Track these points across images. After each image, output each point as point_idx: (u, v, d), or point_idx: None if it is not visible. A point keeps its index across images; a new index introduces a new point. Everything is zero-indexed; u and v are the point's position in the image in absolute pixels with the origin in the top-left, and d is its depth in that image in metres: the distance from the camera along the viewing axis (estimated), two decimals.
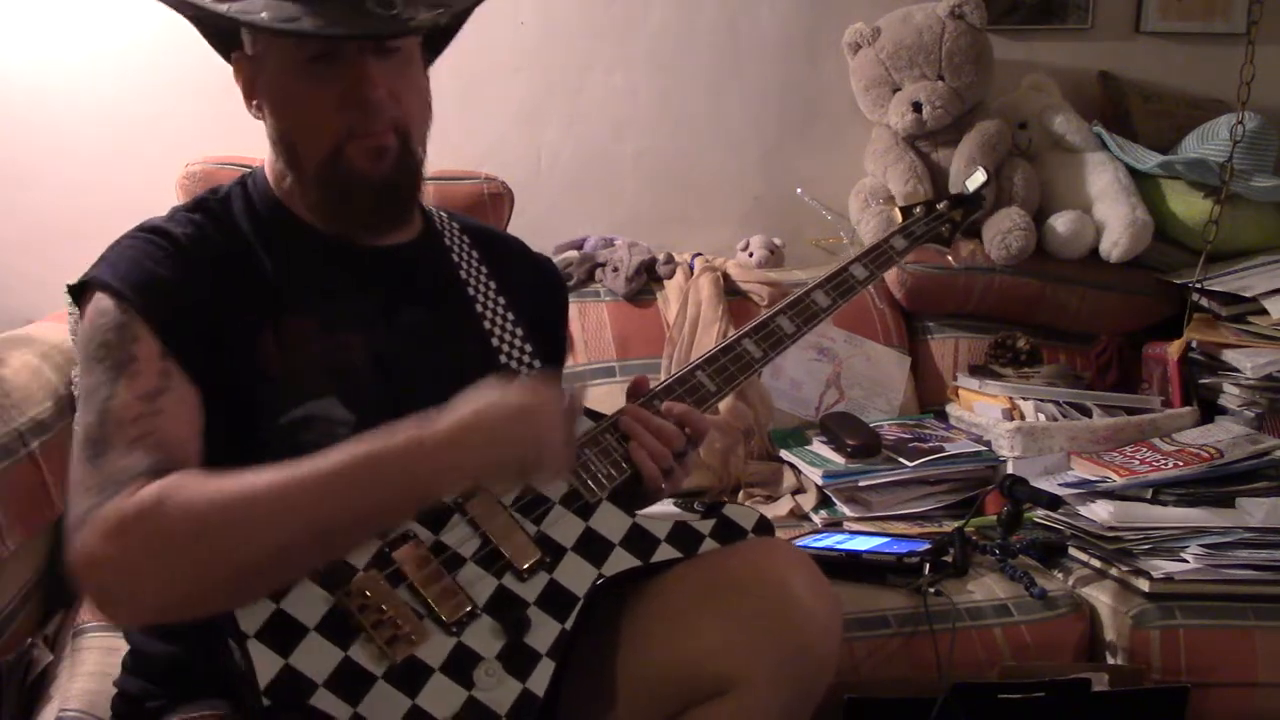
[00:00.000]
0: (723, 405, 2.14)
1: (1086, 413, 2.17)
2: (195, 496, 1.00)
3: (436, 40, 1.34)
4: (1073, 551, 1.87)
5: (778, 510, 2.06)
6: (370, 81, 1.15)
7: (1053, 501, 1.83)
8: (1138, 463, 1.92)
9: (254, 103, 1.23)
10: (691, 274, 2.33)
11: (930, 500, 2.05)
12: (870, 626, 1.62)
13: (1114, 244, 2.33)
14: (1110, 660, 1.69)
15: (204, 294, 1.16)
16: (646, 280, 2.35)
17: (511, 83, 2.49)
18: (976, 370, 2.28)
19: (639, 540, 1.20)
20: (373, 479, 1.03)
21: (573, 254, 2.36)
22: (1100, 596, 1.75)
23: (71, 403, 1.85)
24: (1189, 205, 2.35)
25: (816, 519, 2.02)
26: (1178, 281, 2.36)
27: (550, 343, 1.41)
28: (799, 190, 2.50)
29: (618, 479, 1.24)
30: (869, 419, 2.19)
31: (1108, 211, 2.35)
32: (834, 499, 2.04)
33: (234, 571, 1.00)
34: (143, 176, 2.20)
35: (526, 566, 1.14)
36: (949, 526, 1.90)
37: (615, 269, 2.32)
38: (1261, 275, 2.27)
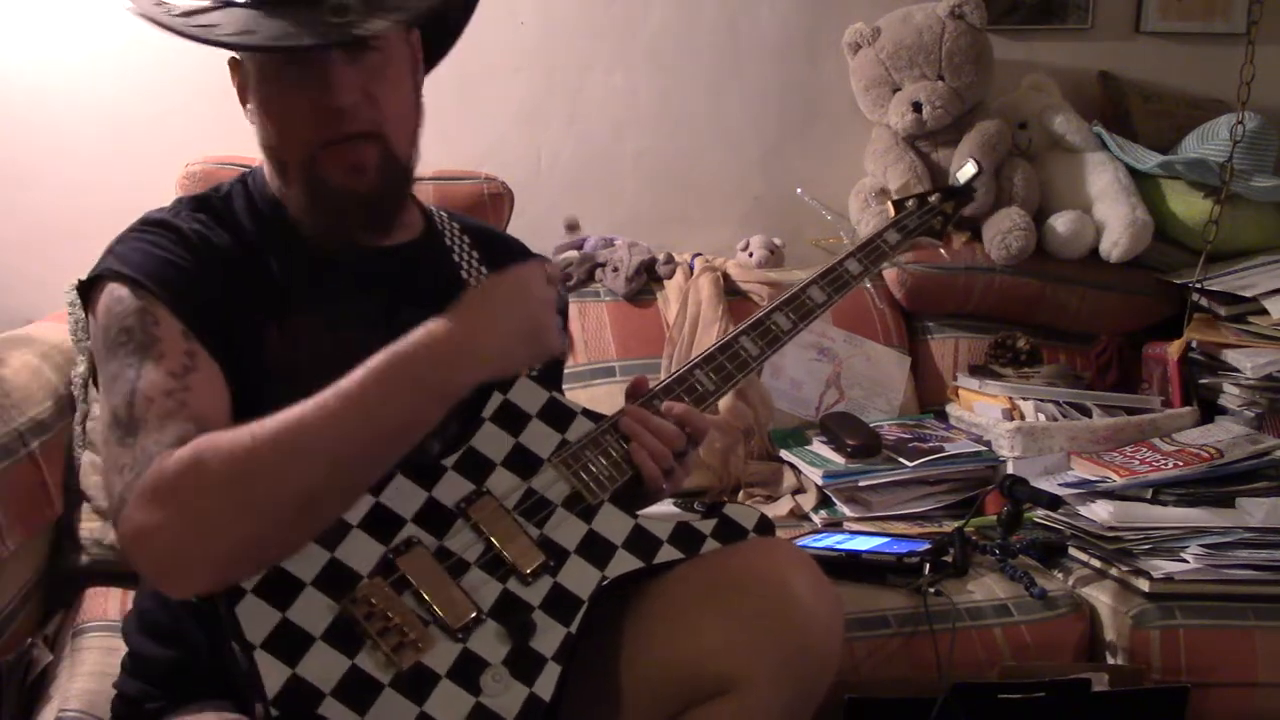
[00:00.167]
0: (723, 405, 2.14)
1: (1086, 413, 2.17)
2: (232, 443, 1.01)
3: (438, 43, 1.34)
4: (1073, 551, 1.87)
5: (778, 510, 2.06)
6: (335, 88, 1.14)
7: (1053, 501, 1.84)
8: (1138, 463, 1.92)
9: (247, 106, 1.23)
10: (691, 274, 2.33)
11: (930, 500, 2.05)
12: (870, 626, 1.62)
13: (1114, 244, 2.33)
14: (1110, 660, 1.69)
15: (213, 288, 1.16)
16: (646, 280, 2.35)
17: (511, 82, 2.49)
18: (976, 370, 2.28)
19: (641, 541, 1.20)
20: (402, 382, 1.06)
21: (573, 254, 2.36)
22: (1100, 596, 1.75)
23: (72, 403, 1.86)
24: (1189, 205, 2.35)
25: (816, 519, 2.02)
26: (1178, 281, 2.36)
27: None
28: (799, 190, 2.50)
29: (619, 480, 1.23)
30: (869, 419, 2.19)
31: (1108, 211, 2.36)
32: (834, 499, 2.04)
33: (286, 507, 1.01)
34: (143, 176, 2.20)
35: (530, 570, 1.13)
36: (949, 526, 1.90)
37: (615, 269, 2.32)
38: (1261, 275, 2.27)
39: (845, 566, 1.70)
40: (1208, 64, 2.62)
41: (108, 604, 1.69)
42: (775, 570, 1.15)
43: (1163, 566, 1.72)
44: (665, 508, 1.45)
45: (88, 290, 1.17)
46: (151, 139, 2.29)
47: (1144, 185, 2.39)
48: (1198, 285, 2.29)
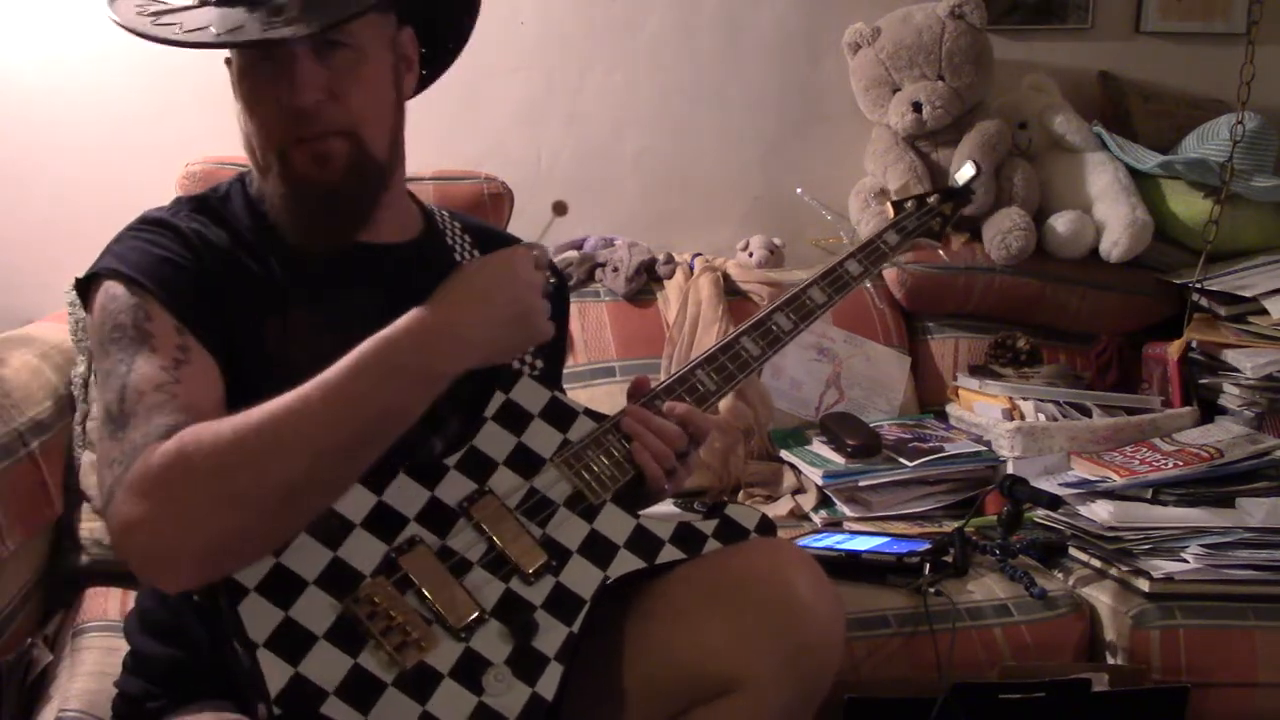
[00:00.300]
0: (723, 405, 2.14)
1: (1086, 413, 2.17)
2: (216, 435, 1.00)
3: (441, 47, 1.34)
4: (1073, 551, 1.87)
5: (778, 510, 2.06)
6: (298, 87, 1.13)
7: (1053, 501, 1.84)
8: (1138, 463, 1.92)
9: (238, 103, 1.23)
10: (691, 274, 2.33)
11: (930, 500, 2.05)
12: (870, 626, 1.62)
13: (1114, 244, 2.34)
14: (1110, 660, 1.69)
15: (211, 289, 1.16)
16: (646, 280, 2.35)
17: (511, 82, 2.49)
18: (976, 370, 2.29)
19: (643, 541, 1.21)
20: (385, 370, 1.06)
21: (573, 254, 2.36)
22: (1100, 596, 1.75)
23: (72, 403, 1.86)
24: (1189, 205, 2.35)
25: (816, 519, 2.02)
26: (1178, 281, 2.36)
27: (552, 341, 1.40)
28: (799, 190, 2.50)
29: (621, 480, 1.24)
30: (869, 419, 2.19)
31: (1108, 211, 2.36)
32: (834, 499, 2.04)
33: (269, 498, 1.01)
34: (143, 176, 2.20)
35: (533, 570, 1.14)
36: (949, 526, 1.90)
37: (615, 269, 2.32)
38: (1261, 275, 2.27)
39: (845, 566, 1.70)
40: (1208, 64, 2.62)
41: (108, 604, 1.69)
42: (777, 570, 1.16)
43: (1163, 566, 1.72)
44: (666, 508, 1.45)
45: (85, 288, 1.17)
46: (151, 139, 2.29)
47: (1144, 185, 2.39)
48: (1198, 285, 2.29)
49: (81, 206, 2.24)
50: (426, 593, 1.08)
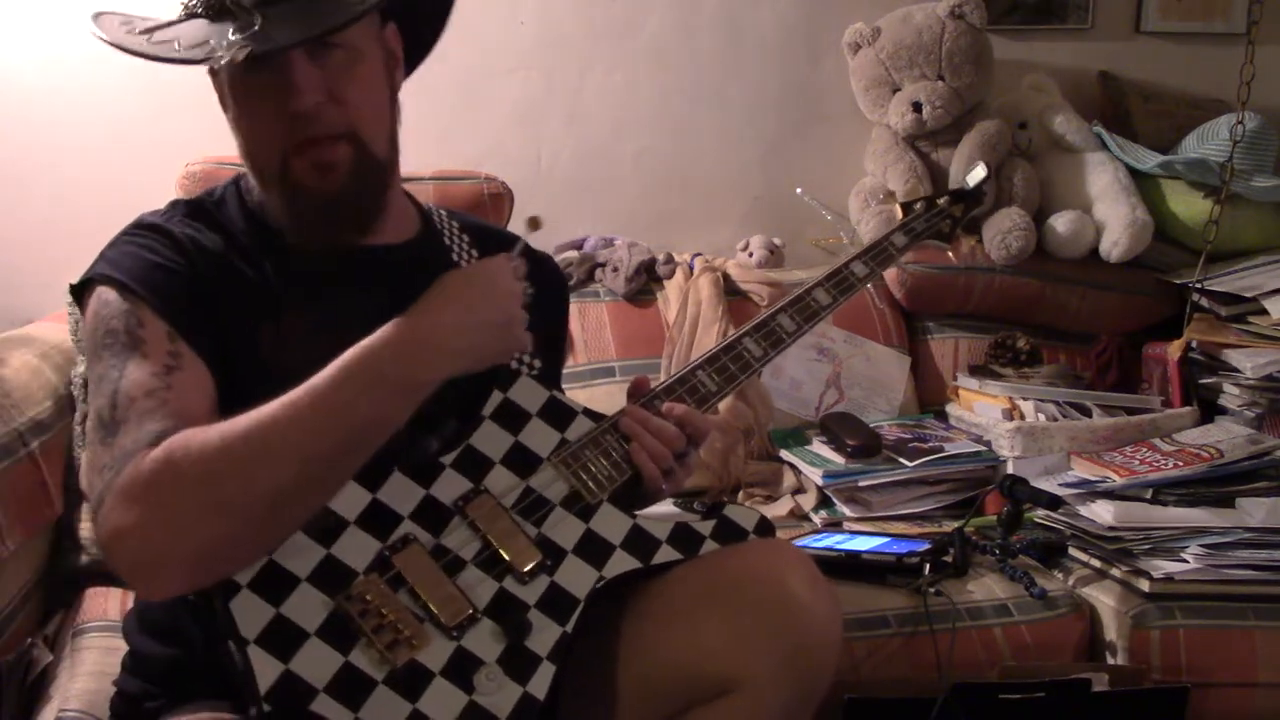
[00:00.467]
0: (723, 405, 2.13)
1: (1086, 413, 2.17)
2: (204, 442, 1.01)
3: (419, 39, 1.34)
4: (1073, 551, 1.87)
5: (778, 510, 2.06)
6: (297, 92, 1.13)
7: (1053, 501, 1.84)
8: (1138, 463, 1.92)
9: (228, 115, 1.23)
10: (691, 274, 2.33)
11: (930, 500, 2.05)
12: (870, 626, 1.62)
13: (1114, 244, 2.33)
14: (1110, 660, 1.69)
15: (205, 294, 1.16)
16: (646, 280, 2.35)
17: (511, 82, 2.49)
18: (976, 370, 2.28)
19: (640, 541, 1.20)
20: (370, 378, 1.06)
21: (573, 254, 2.36)
22: (1100, 596, 1.75)
23: (71, 403, 1.86)
24: (1189, 205, 2.35)
25: (816, 519, 2.02)
26: (1178, 281, 2.36)
27: (551, 340, 1.41)
28: (799, 190, 2.50)
29: (618, 480, 1.23)
30: (869, 419, 2.19)
31: (1108, 211, 2.36)
32: (834, 499, 2.04)
33: (256, 505, 1.01)
34: (143, 176, 2.20)
35: (527, 569, 1.14)
36: (949, 526, 1.90)
37: (615, 269, 2.32)
38: (1261, 275, 2.27)
39: (845, 566, 1.70)
40: (1208, 64, 2.62)
41: (108, 604, 1.69)
42: (774, 570, 1.15)
43: (1163, 566, 1.72)
44: (665, 508, 1.45)
45: (80, 293, 1.17)
46: (151, 139, 2.29)
47: (1144, 185, 2.39)
48: (1198, 285, 2.29)
49: (81, 206, 2.24)
50: (419, 591, 1.08)
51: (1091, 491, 1.88)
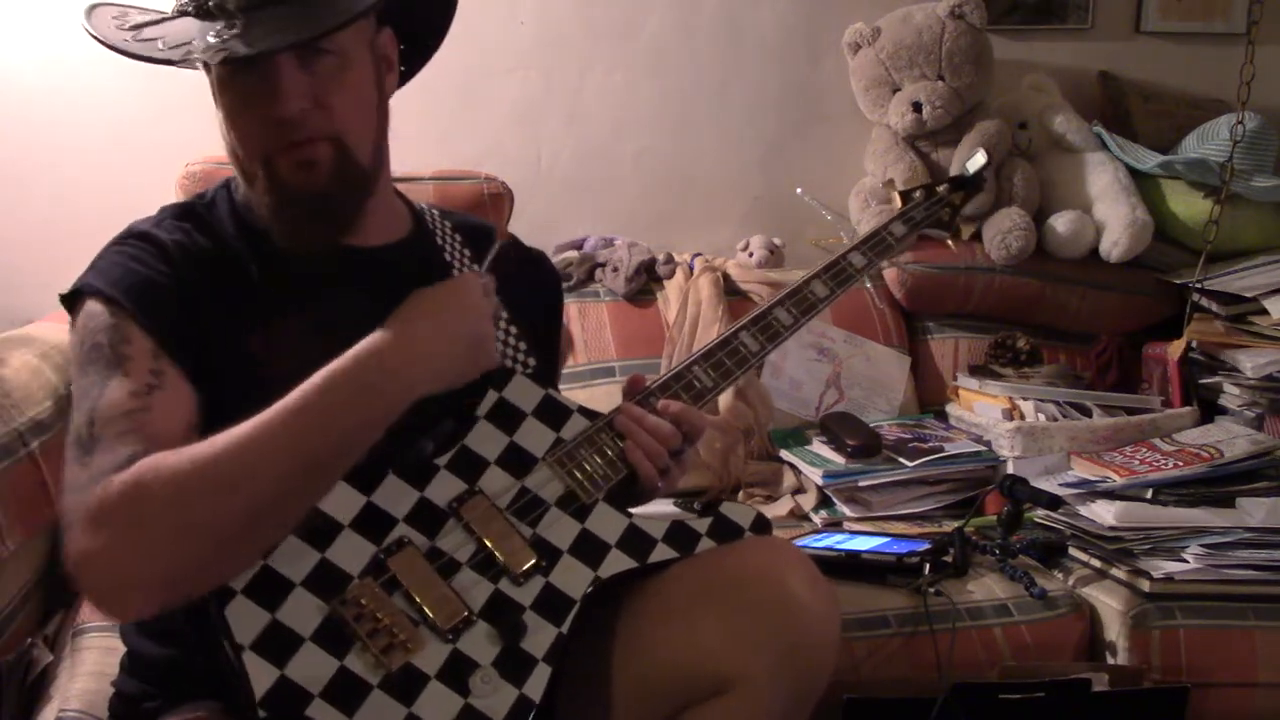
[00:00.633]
0: (723, 405, 2.14)
1: (1086, 413, 2.17)
2: (175, 466, 1.00)
3: (419, 44, 1.33)
4: (1073, 551, 1.87)
5: (778, 510, 2.06)
6: (283, 97, 1.13)
7: (1053, 501, 1.83)
8: (1138, 463, 1.92)
9: (219, 112, 1.23)
10: (691, 274, 2.33)
11: (930, 500, 2.05)
12: (870, 626, 1.62)
13: (1114, 244, 2.33)
14: (1110, 660, 1.69)
15: (191, 300, 1.16)
16: (646, 280, 2.35)
17: (511, 82, 2.49)
18: (976, 370, 2.28)
19: (635, 541, 1.20)
20: (344, 398, 1.06)
21: (573, 254, 2.36)
22: (1100, 596, 1.75)
23: (71, 403, 1.86)
24: (1189, 205, 2.35)
25: (816, 519, 2.02)
26: (1178, 281, 2.36)
27: (545, 339, 1.40)
28: (799, 190, 2.49)
29: (614, 479, 1.23)
30: (869, 419, 2.19)
31: (1108, 211, 2.35)
32: (834, 499, 2.04)
33: (226, 529, 1.00)
34: (143, 176, 2.20)
35: (522, 570, 1.13)
36: (949, 526, 1.90)
37: (615, 269, 2.32)
38: (1261, 275, 2.26)
39: (845, 566, 1.70)
40: (1208, 64, 2.62)
41: None
42: (771, 569, 1.15)
43: (1163, 566, 1.72)
44: (664, 507, 1.45)
45: (70, 303, 1.17)
46: (151, 139, 2.29)
47: (1144, 185, 2.39)
48: (1198, 285, 2.29)
49: (81, 207, 2.25)
50: (414, 594, 1.08)
51: (1091, 491, 1.88)
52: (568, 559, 1.16)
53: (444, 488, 1.16)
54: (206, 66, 1.18)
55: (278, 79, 1.13)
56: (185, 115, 2.24)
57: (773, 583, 1.14)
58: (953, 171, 2.39)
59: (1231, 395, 2.17)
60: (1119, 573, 1.76)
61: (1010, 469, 2.03)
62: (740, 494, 2.13)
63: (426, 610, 1.08)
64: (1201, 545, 1.74)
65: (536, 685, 1.08)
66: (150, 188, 2.06)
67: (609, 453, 1.24)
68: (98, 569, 0.98)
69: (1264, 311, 2.22)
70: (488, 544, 1.14)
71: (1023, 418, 2.13)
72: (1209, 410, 2.20)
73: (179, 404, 1.10)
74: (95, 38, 1.15)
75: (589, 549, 1.18)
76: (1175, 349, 2.22)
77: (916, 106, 2.40)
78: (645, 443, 1.24)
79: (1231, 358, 2.17)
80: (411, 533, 1.12)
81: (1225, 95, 2.44)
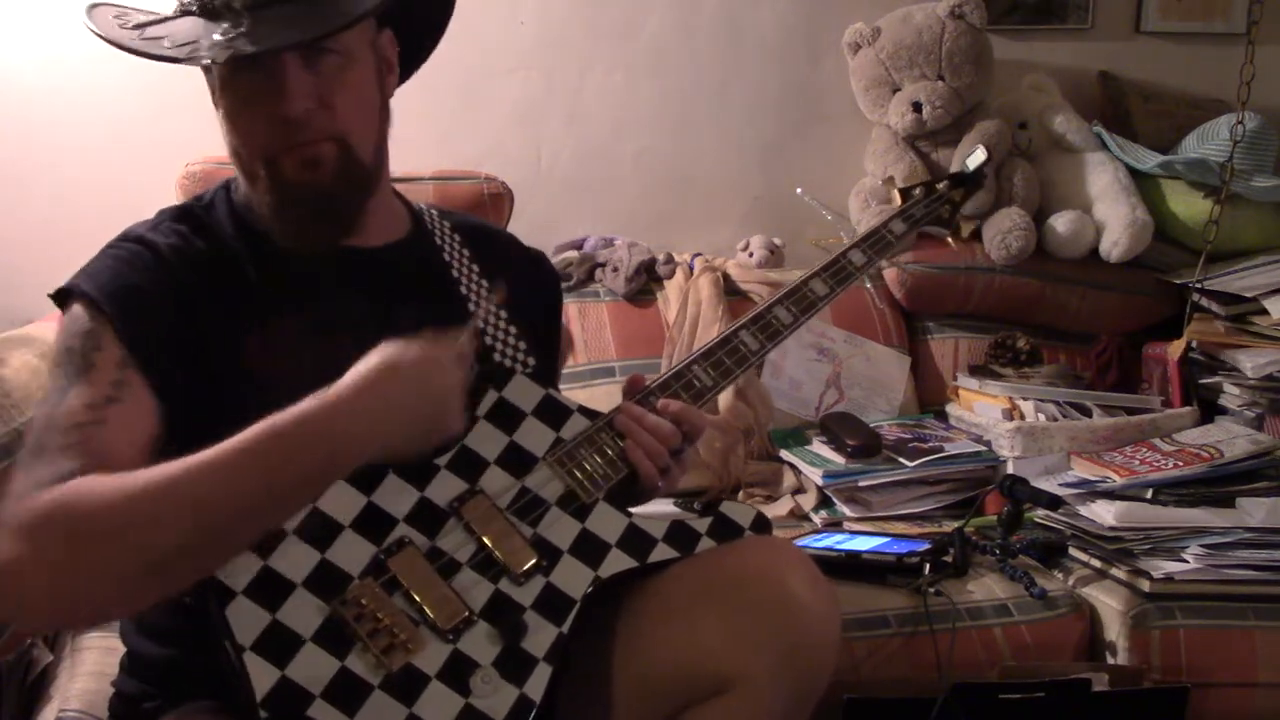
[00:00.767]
0: (723, 405, 2.14)
1: (1086, 413, 2.17)
2: (106, 492, 0.97)
3: (416, 46, 1.33)
4: (1073, 551, 1.87)
5: (778, 510, 2.06)
6: (288, 97, 1.13)
7: (1053, 501, 1.84)
8: (1138, 463, 1.92)
9: (219, 112, 1.22)
10: (691, 274, 2.33)
11: (930, 500, 2.05)
12: (870, 626, 1.62)
13: (1114, 244, 2.33)
14: (1110, 660, 1.69)
15: (186, 303, 1.16)
16: (646, 280, 2.35)
17: (511, 82, 2.49)
18: (976, 370, 2.28)
19: (636, 540, 1.20)
20: (281, 455, 1.01)
21: (573, 254, 2.36)
22: (1100, 596, 1.75)
23: None
24: (1189, 205, 2.35)
25: (816, 519, 2.02)
26: (1178, 281, 2.36)
27: (545, 338, 1.40)
28: (799, 190, 2.49)
29: (614, 479, 1.23)
30: (869, 419, 2.19)
31: (1108, 211, 2.36)
32: (834, 499, 2.04)
33: (152, 563, 0.97)
34: (143, 176, 2.21)
35: (523, 570, 1.13)
36: (949, 526, 1.90)
37: (615, 269, 2.32)
38: (1261, 275, 2.27)
39: (845, 566, 1.70)
40: (1208, 64, 2.62)
41: None
42: (771, 568, 1.15)
43: (1163, 566, 1.72)
44: (663, 507, 1.45)
45: (61, 302, 1.17)
46: (151, 139, 2.29)
47: (1144, 185, 2.39)
48: (1198, 285, 2.29)
49: (81, 206, 2.24)
50: (414, 594, 1.08)
51: (1091, 491, 1.88)
52: (568, 559, 1.16)
53: (444, 487, 1.16)
54: (208, 66, 1.18)
55: (283, 78, 1.13)
56: (185, 115, 2.24)
57: (773, 582, 1.13)
58: (953, 169, 2.39)
59: (1231, 395, 2.17)
60: (1119, 573, 1.76)
61: (1010, 469, 2.03)
62: (740, 494, 2.13)
63: (427, 610, 1.08)
64: (1201, 545, 1.74)
65: (537, 685, 1.08)
66: (150, 188, 2.07)
67: (609, 452, 1.24)
68: (16, 580, 0.95)
69: (1264, 311, 2.22)
70: (488, 544, 1.13)
71: (1023, 418, 2.13)
72: (1209, 410, 2.20)
73: (136, 419, 1.09)
74: (101, 36, 1.15)
75: (589, 549, 1.18)
76: (1175, 349, 2.22)
77: (916, 106, 2.40)
78: (645, 442, 1.24)
79: (1231, 358, 2.17)
80: (412, 533, 1.12)
81: (1225, 95, 2.44)
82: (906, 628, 1.62)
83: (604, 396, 2.12)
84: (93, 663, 1.50)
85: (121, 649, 1.29)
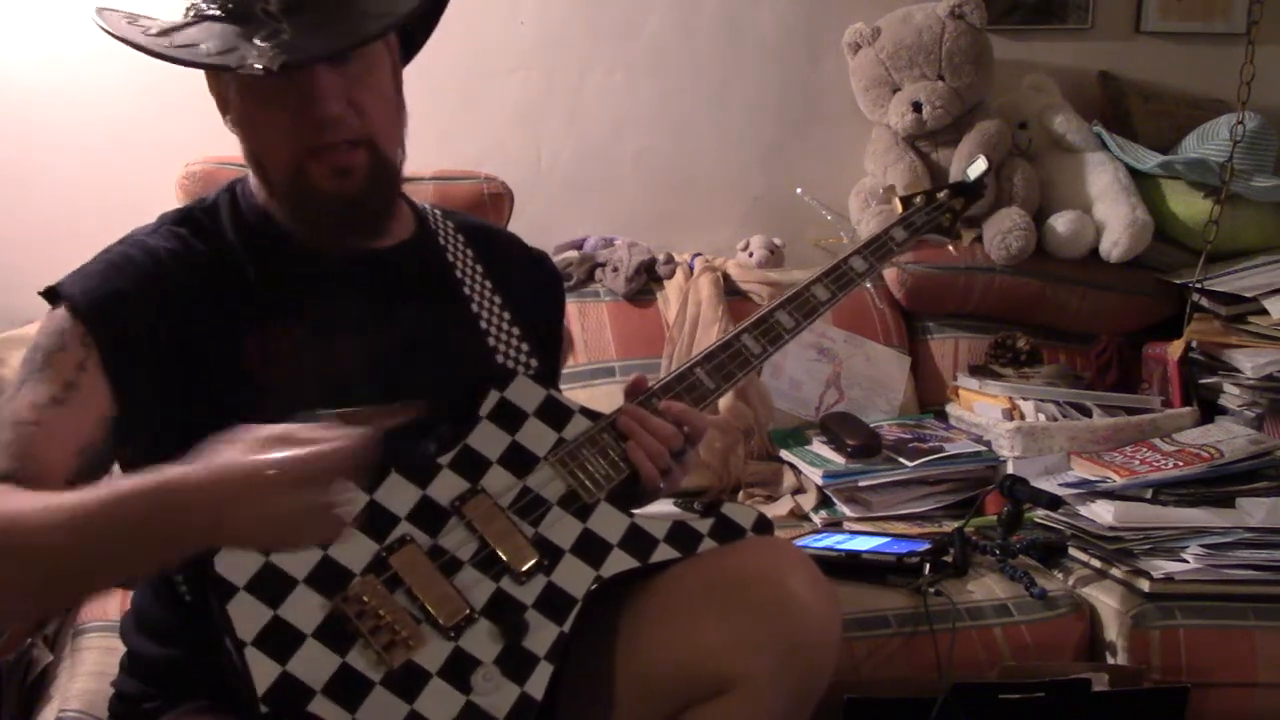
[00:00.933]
0: (723, 405, 2.14)
1: (1086, 413, 2.17)
2: None
3: (409, 40, 1.33)
4: (1073, 551, 1.87)
5: (778, 510, 2.06)
6: (321, 98, 1.12)
7: (1053, 501, 1.84)
8: (1138, 463, 1.92)
9: (227, 117, 1.21)
10: (691, 274, 2.33)
11: (930, 500, 2.05)
12: (870, 626, 1.62)
13: (1114, 244, 2.33)
14: (1110, 660, 1.69)
15: (181, 307, 1.16)
16: (646, 280, 2.35)
17: (511, 82, 2.49)
18: (976, 370, 2.28)
19: (637, 540, 1.20)
20: (130, 516, 0.90)
21: (573, 254, 2.36)
22: (1100, 596, 1.75)
23: None
24: (1189, 205, 2.35)
25: (816, 519, 2.02)
26: (1178, 281, 2.36)
27: (547, 339, 1.40)
28: (799, 190, 2.49)
29: (616, 479, 1.23)
30: (869, 419, 2.19)
31: (1108, 211, 2.36)
32: (834, 499, 2.04)
33: None
34: (143, 177, 2.20)
35: (524, 569, 1.13)
36: (949, 526, 1.90)
37: (615, 269, 2.32)
38: (1261, 275, 2.27)
39: (845, 566, 1.70)
40: (1208, 64, 2.62)
41: (108, 604, 1.69)
42: (772, 569, 1.15)
43: (1163, 566, 1.72)
44: (664, 507, 1.45)
45: (51, 300, 1.17)
46: (152, 139, 2.29)
47: (1144, 185, 2.39)
48: (1198, 285, 2.29)
49: (81, 207, 2.24)
50: (416, 591, 1.08)
51: (1091, 491, 1.88)
52: (570, 558, 1.16)
53: (446, 486, 1.16)
54: (222, 69, 1.17)
55: (314, 81, 1.12)
56: (185, 115, 2.24)
57: (774, 583, 1.14)
58: (952, 175, 2.39)
59: (1231, 395, 2.17)
60: (1119, 573, 1.77)
61: (1010, 469, 2.03)
62: (740, 494, 2.13)
63: (428, 608, 1.08)
64: (1201, 545, 1.74)
65: (538, 683, 1.08)
66: (150, 188, 2.07)
67: (611, 453, 1.24)
68: None
69: (1264, 311, 2.22)
70: (490, 542, 1.14)
71: (1023, 418, 2.13)
72: (1209, 410, 2.20)
73: (75, 424, 1.09)
74: (136, 45, 1.13)
75: (591, 548, 1.18)
76: (1175, 349, 2.22)
77: (916, 106, 2.40)
78: (647, 443, 1.24)
79: (1231, 358, 2.17)
80: (414, 531, 1.12)
81: (1225, 95, 2.44)
82: (906, 628, 1.63)
83: (604, 396, 2.12)
84: (93, 663, 1.50)
85: (121, 649, 1.29)
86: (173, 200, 2.05)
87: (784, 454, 2.16)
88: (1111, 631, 1.70)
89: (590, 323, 2.27)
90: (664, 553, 1.20)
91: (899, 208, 1.73)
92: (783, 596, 1.13)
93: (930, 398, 2.37)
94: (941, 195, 1.76)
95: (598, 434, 1.25)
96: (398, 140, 1.23)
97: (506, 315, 1.33)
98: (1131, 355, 2.36)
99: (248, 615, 1.03)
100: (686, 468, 1.31)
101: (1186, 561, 1.72)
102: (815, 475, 2.05)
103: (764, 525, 1.26)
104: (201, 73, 1.20)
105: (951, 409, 2.29)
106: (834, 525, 1.98)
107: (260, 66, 1.07)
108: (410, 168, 1.32)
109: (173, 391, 1.13)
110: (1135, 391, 2.30)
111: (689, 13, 2.53)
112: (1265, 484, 1.85)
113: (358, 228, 1.22)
